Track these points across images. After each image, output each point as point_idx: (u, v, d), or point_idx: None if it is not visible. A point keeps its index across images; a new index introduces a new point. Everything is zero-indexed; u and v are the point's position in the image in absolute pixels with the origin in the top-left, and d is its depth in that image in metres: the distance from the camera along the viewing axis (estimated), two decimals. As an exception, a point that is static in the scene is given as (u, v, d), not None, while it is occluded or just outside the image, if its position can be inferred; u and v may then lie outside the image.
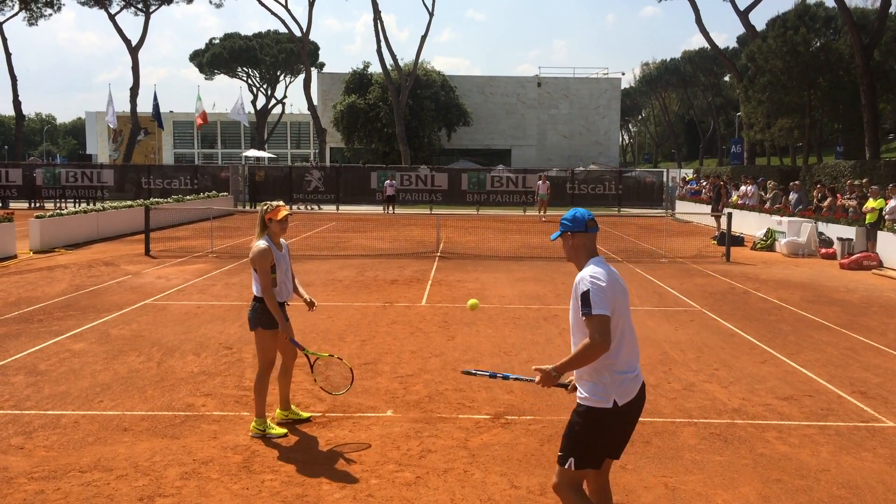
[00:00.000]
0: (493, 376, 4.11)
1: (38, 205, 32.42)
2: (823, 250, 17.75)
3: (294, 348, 5.91)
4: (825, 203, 20.04)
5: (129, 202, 24.07)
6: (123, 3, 50.88)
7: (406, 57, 74.68)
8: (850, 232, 17.24)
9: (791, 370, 7.79)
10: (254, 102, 71.37)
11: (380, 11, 45.15)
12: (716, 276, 14.46)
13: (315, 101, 52.49)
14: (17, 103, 48.76)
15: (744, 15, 41.87)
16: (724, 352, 8.52)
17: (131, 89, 50.69)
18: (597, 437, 3.58)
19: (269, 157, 62.45)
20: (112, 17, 50.26)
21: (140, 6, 51.51)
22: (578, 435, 3.58)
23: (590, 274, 3.59)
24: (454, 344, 8.69)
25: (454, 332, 9.34)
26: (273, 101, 73.15)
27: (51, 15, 60.39)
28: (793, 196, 21.52)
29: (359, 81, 51.59)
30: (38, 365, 7.64)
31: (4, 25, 47.38)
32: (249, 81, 72.15)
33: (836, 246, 17.37)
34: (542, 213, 29.20)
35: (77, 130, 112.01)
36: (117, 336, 8.93)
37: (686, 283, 13.58)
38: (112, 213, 21.09)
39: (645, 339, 9.04)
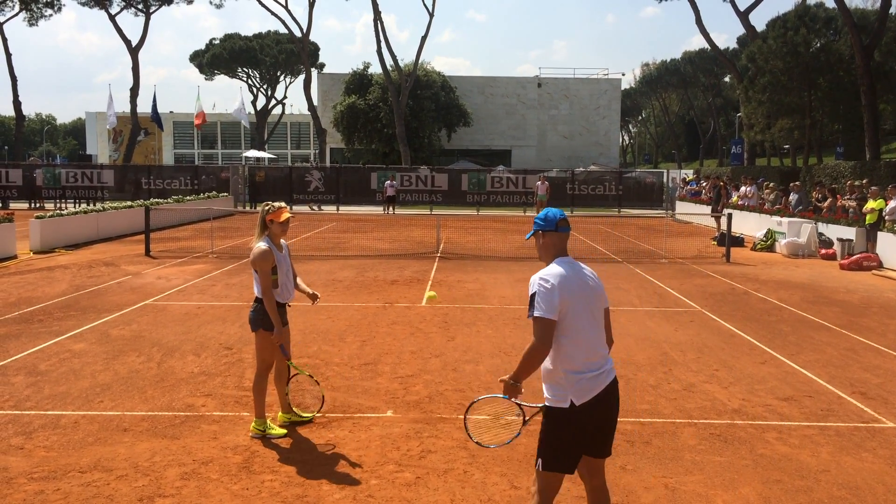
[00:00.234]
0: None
1: (38, 205, 32.42)
2: (823, 251, 17.75)
3: (288, 350, 5.91)
4: (825, 204, 20.03)
5: (129, 202, 24.07)
6: (124, 3, 50.93)
7: (406, 57, 74.79)
8: (850, 233, 17.25)
9: (791, 371, 7.79)
10: (254, 103, 71.42)
11: (380, 12, 45.19)
12: (716, 277, 14.45)
13: (315, 102, 52.51)
14: (17, 103, 48.79)
15: (744, 15, 41.90)
16: (724, 352, 8.52)
17: (131, 90, 50.73)
18: (558, 438, 3.59)
19: (269, 158, 62.48)
20: (112, 18, 50.30)
21: (140, 6, 51.54)
22: (542, 435, 3.64)
23: (540, 276, 3.61)
24: (454, 344, 8.69)
25: (454, 332, 9.34)
26: (273, 102, 73.22)
27: (51, 15, 60.48)
28: (793, 197, 21.52)
29: (359, 82, 51.61)
30: (38, 365, 7.64)
31: (5, 26, 47.42)
32: (249, 82, 72.23)
33: (836, 246, 17.37)
34: (539, 212, 29.19)
35: (77, 131, 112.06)
36: (117, 336, 8.93)
37: (686, 283, 13.58)
38: (112, 213, 21.09)
39: (645, 340, 9.05)
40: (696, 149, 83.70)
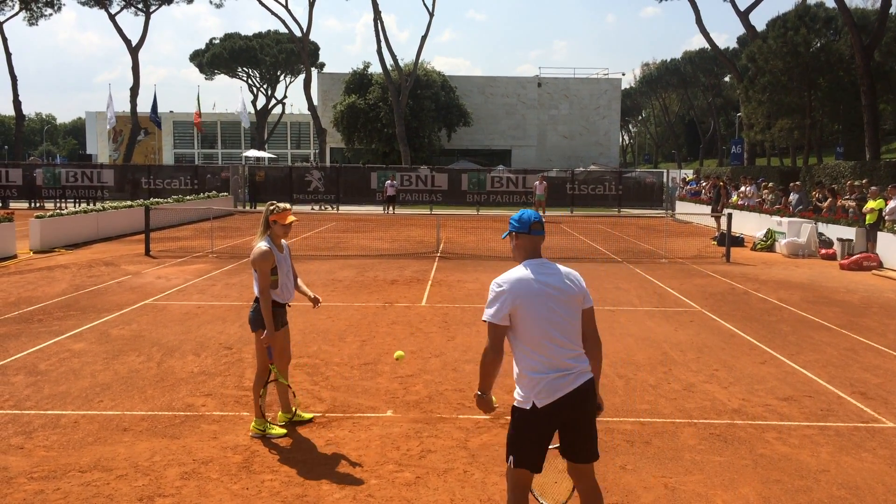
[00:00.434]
0: None
1: (38, 205, 32.42)
2: (823, 251, 17.75)
3: (286, 353, 5.92)
4: (825, 204, 20.04)
5: (128, 202, 24.07)
6: (124, 3, 50.94)
7: (406, 57, 74.66)
8: (850, 233, 17.25)
9: (791, 371, 7.79)
10: (254, 102, 71.40)
11: (380, 12, 45.19)
12: (716, 277, 14.46)
13: (315, 102, 52.52)
14: (17, 103, 48.77)
15: (744, 15, 41.89)
16: (723, 352, 8.52)
17: (131, 89, 50.73)
18: (523, 437, 3.62)
19: (269, 158, 62.47)
20: (112, 17, 50.30)
21: (140, 6, 51.53)
22: (510, 433, 3.67)
23: (497, 280, 3.67)
24: (454, 344, 8.69)
25: (454, 332, 9.34)
26: (273, 102, 73.20)
27: (51, 15, 60.44)
28: (793, 197, 21.53)
29: (359, 82, 51.60)
30: (38, 365, 7.64)
31: (5, 25, 47.40)
32: (250, 81, 72.21)
33: (836, 246, 17.37)
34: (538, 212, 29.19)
35: (77, 130, 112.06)
36: (117, 336, 8.93)
37: (686, 283, 13.59)
38: (112, 213, 21.09)
39: (645, 340, 9.05)
40: (696, 149, 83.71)
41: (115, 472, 5.04)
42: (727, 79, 70.49)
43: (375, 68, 51.36)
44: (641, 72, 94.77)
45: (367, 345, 8.64)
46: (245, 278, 13.20)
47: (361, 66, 52.65)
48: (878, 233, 16.22)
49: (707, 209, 25.68)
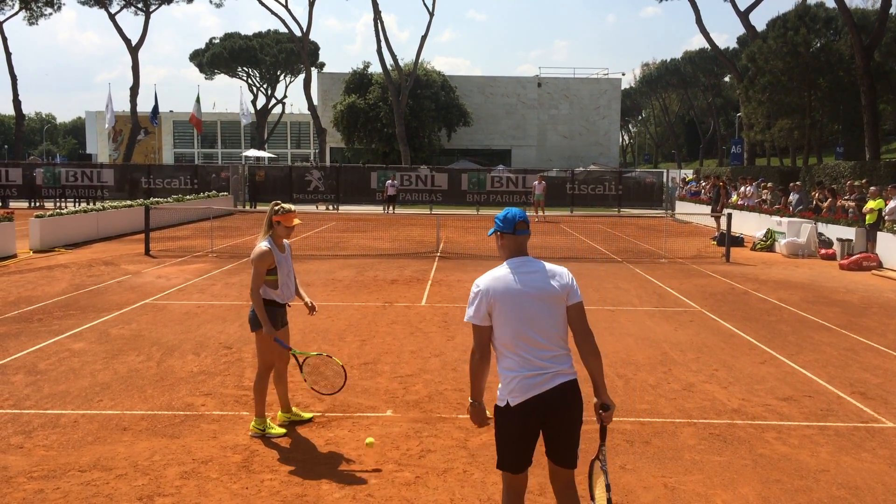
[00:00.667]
0: None
1: (37, 204, 32.43)
2: (823, 251, 17.75)
3: (286, 354, 5.90)
4: (825, 204, 20.04)
5: (128, 202, 24.07)
6: (123, 2, 50.89)
7: (406, 57, 74.65)
8: (849, 233, 17.24)
9: (791, 371, 7.80)
10: (254, 102, 71.35)
11: (380, 11, 45.19)
12: (715, 277, 14.46)
13: (315, 101, 52.50)
14: (17, 103, 48.74)
15: (744, 15, 41.89)
16: (723, 352, 8.52)
17: (131, 89, 50.71)
18: (500, 437, 3.62)
19: (269, 157, 62.46)
20: (112, 17, 50.26)
21: (140, 6, 51.51)
22: (494, 434, 3.67)
23: (476, 280, 3.69)
24: (454, 344, 8.69)
25: (454, 332, 9.34)
26: (273, 101, 73.18)
27: (51, 14, 60.31)
28: (793, 197, 21.52)
29: (359, 81, 51.59)
30: (37, 364, 7.64)
31: (4, 25, 47.37)
32: (249, 81, 72.18)
33: (836, 247, 17.37)
34: (537, 214, 29.13)
35: (77, 130, 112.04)
36: (117, 335, 8.93)
37: (686, 283, 13.59)
38: (112, 212, 21.09)
39: (644, 340, 9.05)
40: (695, 149, 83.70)
41: (114, 472, 5.04)
42: (727, 79, 70.49)
43: (375, 68, 51.43)
44: (641, 72, 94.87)
45: (367, 344, 8.64)
46: (245, 278, 13.20)
47: (361, 66, 52.69)
48: (878, 233, 16.22)
49: (707, 209, 25.68)
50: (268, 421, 5.82)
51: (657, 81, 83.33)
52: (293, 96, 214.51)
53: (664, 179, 37.91)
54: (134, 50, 50.56)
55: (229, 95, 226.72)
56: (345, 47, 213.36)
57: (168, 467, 5.13)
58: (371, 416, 6.22)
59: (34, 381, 7.08)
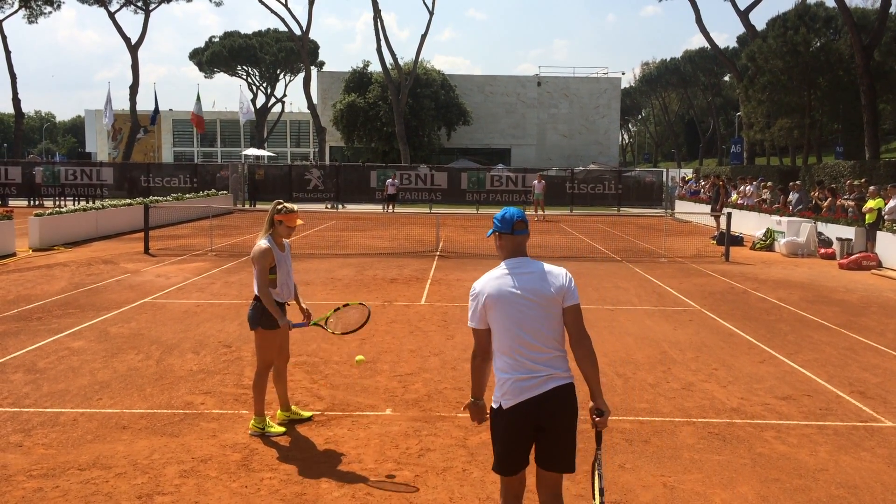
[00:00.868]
0: None
1: (37, 203, 32.40)
2: (823, 250, 17.75)
3: (285, 352, 5.90)
4: (825, 203, 20.04)
5: (128, 200, 24.06)
6: (123, 0, 50.83)
7: (406, 56, 74.81)
8: (849, 232, 17.25)
9: (790, 370, 7.80)
10: (253, 101, 71.22)
11: (380, 10, 45.16)
12: (715, 276, 14.46)
13: (315, 100, 52.47)
14: (16, 101, 48.69)
15: (744, 15, 41.89)
16: (722, 351, 8.53)
17: (131, 87, 50.64)
18: (494, 439, 3.61)
19: (268, 156, 62.44)
20: (112, 15, 50.20)
21: (140, 4, 51.45)
22: (490, 436, 3.66)
23: (475, 283, 3.66)
24: (453, 343, 8.69)
25: (453, 331, 9.34)
26: (273, 100, 73.12)
27: (50, 13, 60.16)
28: (793, 196, 21.53)
29: (359, 80, 51.58)
30: (37, 363, 7.64)
31: (4, 23, 47.32)
32: (249, 80, 72.12)
33: (836, 246, 17.37)
34: (536, 212, 29.13)
35: (76, 128, 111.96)
36: (116, 334, 8.93)
37: (685, 282, 13.59)
38: (111, 211, 21.09)
39: (644, 339, 9.05)
40: (695, 148, 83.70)
41: (114, 470, 5.04)
42: (727, 78, 70.48)
43: (375, 67, 51.47)
44: (641, 71, 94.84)
45: (367, 343, 8.64)
46: (244, 276, 13.20)
47: (361, 65, 52.71)
48: (878, 232, 16.23)
49: (706, 208, 25.69)
50: (267, 419, 5.82)
51: (657, 80, 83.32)
52: (293, 95, 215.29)
53: (664, 179, 37.90)
54: (133, 48, 50.51)
55: (229, 94, 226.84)
56: (345, 46, 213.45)
57: (167, 466, 5.13)
58: (370, 415, 6.23)
59: (33, 379, 7.08)
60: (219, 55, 68.48)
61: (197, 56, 70.81)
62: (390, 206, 32.07)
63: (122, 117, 60.99)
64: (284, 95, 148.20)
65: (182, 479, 4.92)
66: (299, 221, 5.82)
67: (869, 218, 16.63)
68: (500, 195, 35.65)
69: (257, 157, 53.20)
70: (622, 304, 11.31)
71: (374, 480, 4.96)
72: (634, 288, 12.87)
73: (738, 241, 19.69)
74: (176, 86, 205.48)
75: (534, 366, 3.49)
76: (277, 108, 75.72)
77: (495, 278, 3.60)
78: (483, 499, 4.71)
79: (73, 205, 25.97)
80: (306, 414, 6.12)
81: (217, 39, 70.32)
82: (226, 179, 34.95)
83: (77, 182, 34.68)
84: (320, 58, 70.79)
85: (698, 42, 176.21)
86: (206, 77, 75.01)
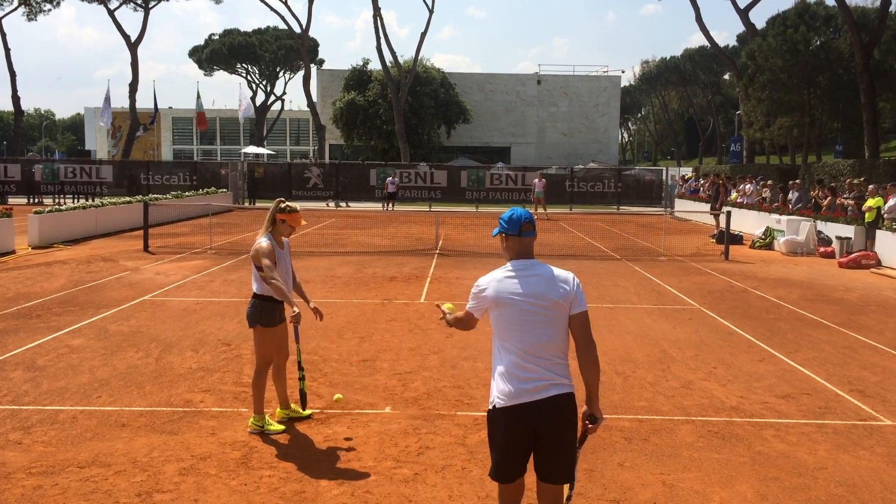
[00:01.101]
0: None
1: (36, 200, 32.38)
2: (822, 249, 17.76)
3: (284, 350, 5.89)
4: (825, 202, 20.04)
5: (127, 198, 24.04)
6: (123, -2, 50.76)
7: (406, 54, 74.62)
8: (848, 231, 17.25)
9: (789, 368, 7.80)
10: (253, 99, 71.17)
11: (380, 8, 45.13)
12: (714, 275, 14.46)
13: (314, 98, 52.45)
14: (15, 99, 48.64)
15: (744, 13, 41.88)
16: (722, 350, 8.53)
17: (130, 85, 50.59)
18: (491, 443, 3.56)
19: (268, 154, 62.42)
20: (111, 13, 50.16)
21: (139, 2, 51.39)
22: (488, 441, 3.63)
23: (479, 280, 3.69)
24: (453, 341, 8.69)
25: (453, 329, 9.30)
26: (272, 98, 73.08)
27: (50, 10, 60.30)
28: (793, 195, 21.52)
29: (358, 78, 51.55)
30: (36, 360, 7.64)
31: (4, 21, 47.30)
32: (249, 78, 72.06)
33: (835, 245, 17.38)
34: (537, 210, 29.11)
35: (76, 126, 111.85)
36: (116, 332, 8.92)
37: (685, 281, 13.59)
38: (111, 208, 21.08)
39: (643, 337, 9.05)
40: (695, 146, 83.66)
41: (113, 468, 5.05)
42: (727, 77, 70.51)
43: (375, 65, 51.41)
44: (641, 69, 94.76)
45: (366, 341, 8.64)
46: (244, 274, 13.19)
47: (361, 63, 52.68)
48: (877, 231, 16.22)
49: (706, 207, 25.69)
50: (266, 417, 5.82)
51: (657, 79, 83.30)
52: (292, 93, 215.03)
53: (663, 177, 37.88)
54: (133, 46, 50.47)
55: (228, 92, 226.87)
56: (344, 44, 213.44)
57: (167, 464, 5.13)
58: (370, 413, 6.23)
59: (33, 377, 7.08)
60: (218, 53, 68.43)
61: (196, 54, 70.75)
62: (390, 205, 32.06)
63: (121, 115, 60.91)
64: (284, 93, 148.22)
65: (181, 477, 4.92)
66: (303, 222, 5.83)
67: (868, 217, 16.63)
68: (499, 193, 35.63)
69: (257, 155, 53.21)
70: (621, 303, 11.32)
71: (373, 478, 4.96)
72: (634, 286, 12.88)
73: (737, 239, 19.69)
74: (175, 84, 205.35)
75: (536, 369, 3.44)
76: (277, 106, 75.75)
77: (502, 279, 3.56)
78: (482, 497, 4.71)
79: (73, 202, 25.95)
80: (305, 412, 6.12)
81: (217, 37, 70.27)
82: (227, 178, 34.93)
83: (76, 180, 34.63)
84: (320, 56, 70.83)
85: (698, 40, 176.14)
86: (205, 75, 74.98)
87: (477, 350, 8.26)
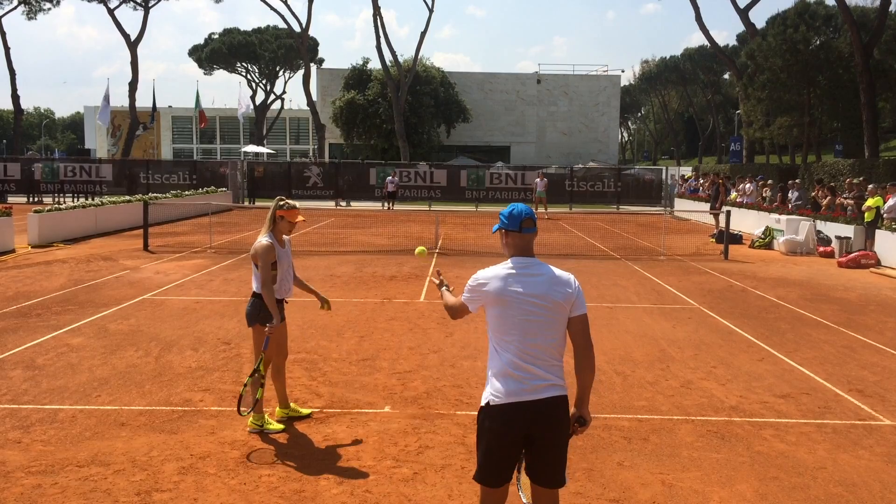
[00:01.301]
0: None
1: (36, 199, 32.37)
2: (822, 249, 17.76)
3: (284, 349, 5.90)
4: (824, 201, 20.04)
5: (127, 197, 24.03)
6: (122, -3, 50.73)
7: (406, 53, 74.70)
8: (848, 230, 17.25)
9: (788, 368, 7.80)
10: (253, 98, 71.14)
11: (379, 7, 45.06)
12: (714, 274, 14.46)
13: (314, 97, 52.41)
14: (15, 98, 48.62)
15: (744, 13, 41.87)
16: (721, 349, 8.53)
17: (130, 84, 50.56)
18: (478, 442, 3.49)
19: (268, 153, 62.41)
20: (111, 12, 50.12)
21: (139, 1, 51.38)
22: (476, 441, 3.57)
23: (477, 274, 3.59)
24: (452, 340, 8.69)
25: (452, 328, 9.33)
26: (272, 97, 73.05)
27: (49, 9, 60.17)
28: (792, 194, 21.53)
29: (358, 77, 51.52)
30: (35, 359, 7.63)
31: (3, 19, 47.28)
32: (248, 77, 72.00)
33: (835, 244, 17.38)
34: (537, 210, 29.09)
35: (76, 125, 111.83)
36: (115, 331, 8.92)
37: (684, 280, 13.59)
38: (110, 207, 21.07)
39: (643, 337, 9.06)
40: (695, 146, 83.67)
41: (112, 467, 5.05)
42: (727, 76, 70.47)
43: (375, 64, 51.34)
44: (641, 69, 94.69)
45: (366, 341, 8.64)
46: (243, 273, 13.19)
47: (361, 62, 52.61)
48: (877, 231, 16.23)
49: (706, 206, 25.70)
50: (266, 416, 5.82)
51: (656, 78, 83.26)
52: (292, 92, 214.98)
53: (663, 177, 37.87)
54: (133, 45, 50.44)
55: (228, 91, 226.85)
56: (344, 43, 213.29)
57: (166, 463, 5.13)
58: (369, 412, 6.23)
59: (32, 376, 7.08)
60: (218, 52, 68.39)
61: (196, 53, 70.71)
62: (390, 204, 32.05)
63: (121, 114, 60.88)
64: (284, 92, 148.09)
65: (181, 476, 4.92)
66: (301, 218, 5.83)
67: (868, 216, 16.64)
68: (499, 193, 35.60)
69: (257, 154, 53.20)
70: (621, 302, 11.32)
71: (372, 478, 4.96)
72: (633, 286, 12.88)
73: (737, 239, 19.70)
74: (175, 82, 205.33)
75: (531, 369, 3.41)
76: (277, 105, 75.68)
77: (502, 276, 3.49)
78: (482, 496, 4.71)
79: (73, 201, 25.93)
80: (305, 411, 6.13)
81: (216, 36, 70.22)
82: (235, 177, 34.92)
83: (76, 179, 34.59)
84: (320, 55, 70.75)
85: (698, 40, 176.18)
86: (205, 74, 74.97)
87: (476, 349, 8.26)
